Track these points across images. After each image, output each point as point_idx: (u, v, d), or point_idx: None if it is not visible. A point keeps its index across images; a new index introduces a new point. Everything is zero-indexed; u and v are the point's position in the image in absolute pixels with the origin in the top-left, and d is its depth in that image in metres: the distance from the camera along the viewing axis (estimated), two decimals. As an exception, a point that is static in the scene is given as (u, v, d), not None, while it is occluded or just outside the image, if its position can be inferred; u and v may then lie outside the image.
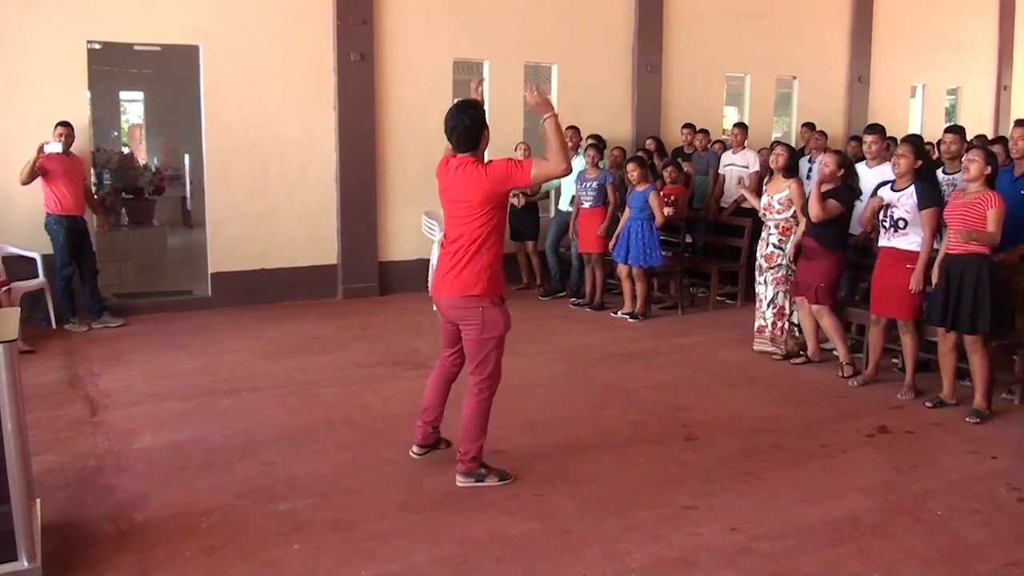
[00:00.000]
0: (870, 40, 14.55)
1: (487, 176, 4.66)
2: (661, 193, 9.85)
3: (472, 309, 4.74)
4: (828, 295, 7.19)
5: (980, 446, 5.76)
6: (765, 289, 7.83)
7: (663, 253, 9.39)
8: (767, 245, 7.79)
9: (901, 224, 6.58)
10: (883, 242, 6.78)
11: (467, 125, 4.81)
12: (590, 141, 10.11)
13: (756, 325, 7.97)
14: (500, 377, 4.94)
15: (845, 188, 7.18)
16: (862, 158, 8.08)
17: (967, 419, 6.20)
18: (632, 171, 9.17)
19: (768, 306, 7.83)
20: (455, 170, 4.86)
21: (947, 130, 7.93)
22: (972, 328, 6.13)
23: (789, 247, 7.55)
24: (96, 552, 4.18)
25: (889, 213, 6.63)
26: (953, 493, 4.99)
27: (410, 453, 5.19)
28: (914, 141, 7.16)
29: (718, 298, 10.18)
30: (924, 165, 6.78)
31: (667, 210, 9.68)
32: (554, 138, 4.57)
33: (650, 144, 11.18)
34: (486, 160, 4.86)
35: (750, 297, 8.50)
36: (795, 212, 7.56)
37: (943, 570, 4.12)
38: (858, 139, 9.96)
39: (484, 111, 4.91)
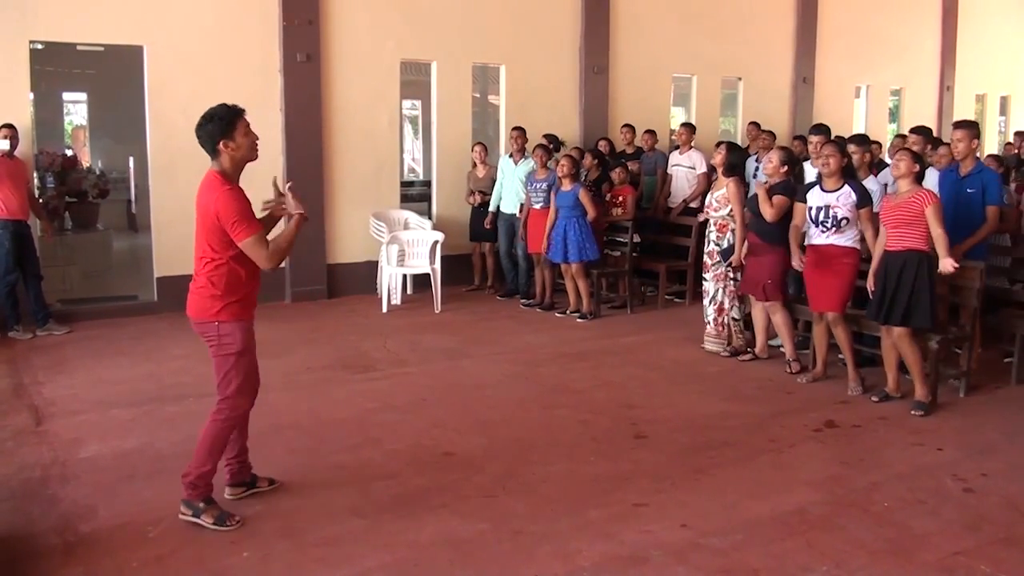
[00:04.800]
0: (814, 41, 14.74)
1: (216, 212, 4.32)
2: (610, 194, 9.91)
3: (208, 326, 4.46)
4: (777, 291, 7.28)
5: (925, 438, 5.86)
6: (710, 286, 7.93)
7: (609, 252, 9.46)
8: (709, 243, 7.93)
9: (844, 223, 6.68)
10: (816, 240, 6.85)
11: (207, 132, 4.40)
12: (541, 141, 10.13)
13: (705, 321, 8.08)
14: (245, 402, 4.60)
15: (790, 184, 7.28)
16: (807, 157, 8.20)
17: (912, 412, 6.31)
18: (564, 165, 9.20)
19: (710, 303, 7.93)
20: (203, 181, 4.46)
21: (912, 131, 8.19)
22: (904, 321, 6.25)
23: (735, 255, 7.61)
24: (42, 565, 4.11)
25: (831, 213, 6.70)
26: (900, 485, 5.07)
27: (224, 496, 4.78)
28: (838, 142, 7.30)
29: (667, 297, 10.26)
30: (847, 163, 6.90)
31: (616, 211, 9.75)
32: (287, 239, 4.44)
33: (603, 146, 11.23)
34: (232, 174, 4.47)
35: (698, 296, 8.57)
36: (731, 210, 7.65)
37: (891, 560, 4.19)
38: (803, 138, 10.10)
39: (233, 118, 4.42)
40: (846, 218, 6.66)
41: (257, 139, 4.54)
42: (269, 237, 4.54)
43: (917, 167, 6.31)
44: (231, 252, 4.40)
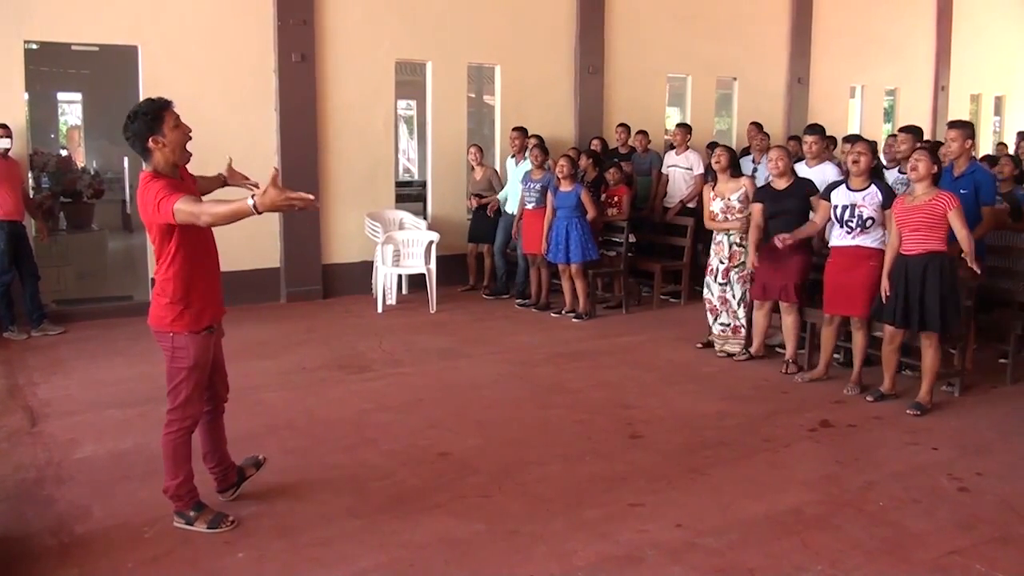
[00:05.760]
0: (809, 42, 14.75)
1: (143, 199, 4.14)
2: (605, 195, 9.91)
3: (164, 336, 4.39)
4: (802, 292, 7.27)
5: (920, 438, 5.88)
6: (730, 290, 7.87)
7: (604, 252, 9.47)
8: (728, 246, 7.81)
9: (869, 223, 6.62)
10: (840, 241, 6.78)
11: (134, 132, 4.21)
12: (534, 142, 10.14)
13: (732, 326, 7.92)
14: (194, 414, 4.48)
15: (802, 180, 7.29)
16: (801, 158, 8.20)
17: (908, 411, 6.32)
18: (563, 166, 9.19)
19: (739, 305, 7.87)
20: (137, 188, 4.25)
21: (901, 130, 8.10)
22: (944, 328, 6.22)
23: (751, 257, 7.52)
24: (38, 567, 4.11)
25: (857, 213, 6.63)
26: (895, 484, 5.08)
27: (218, 499, 4.77)
28: (870, 141, 7.28)
29: (662, 297, 10.26)
30: (875, 165, 6.87)
31: (611, 211, 9.75)
32: (230, 209, 3.92)
33: (596, 145, 11.23)
34: (168, 173, 4.28)
35: (693, 296, 8.56)
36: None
37: (886, 560, 4.20)
38: (798, 139, 10.10)
39: (159, 112, 4.21)
40: (872, 218, 6.60)
41: (189, 132, 4.31)
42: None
43: (936, 169, 6.24)
44: (175, 249, 4.24)
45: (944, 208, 6.07)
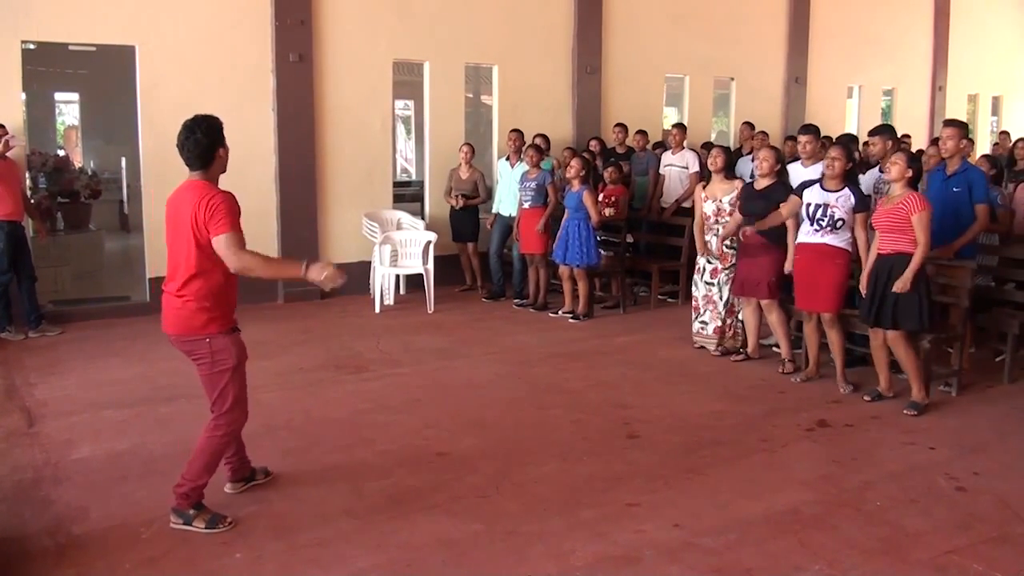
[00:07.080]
0: (807, 42, 14.76)
1: (203, 216, 4.27)
2: (603, 194, 9.90)
3: (198, 342, 4.41)
4: (778, 289, 7.29)
5: (917, 437, 5.88)
6: (718, 291, 7.91)
7: (602, 252, 9.45)
8: (721, 247, 7.86)
9: (840, 224, 6.68)
10: (807, 238, 6.84)
11: (199, 139, 4.39)
12: (535, 140, 10.13)
13: (712, 327, 8.00)
14: (243, 414, 4.58)
15: (781, 184, 7.30)
16: (797, 158, 8.19)
17: (904, 411, 6.33)
18: (573, 166, 9.17)
19: (725, 307, 7.90)
20: (183, 191, 4.45)
21: (871, 132, 8.03)
22: (894, 325, 6.27)
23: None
24: (34, 567, 4.11)
25: (829, 213, 6.70)
26: (892, 484, 5.09)
27: (225, 490, 4.85)
28: (846, 144, 7.26)
29: (659, 297, 10.27)
30: (851, 168, 6.87)
31: (608, 211, 9.73)
32: (275, 268, 4.45)
33: (594, 145, 11.23)
34: (218, 185, 4.52)
35: (691, 296, 8.56)
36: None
37: (884, 559, 4.20)
38: (794, 139, 10.10)
39: (220, 126, 4.50)
40: (842, 219, 6.66)
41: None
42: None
43: (911, 172, 6.25)
44: (212, 259, 4.33)
45: (908, 211, 6.10)
